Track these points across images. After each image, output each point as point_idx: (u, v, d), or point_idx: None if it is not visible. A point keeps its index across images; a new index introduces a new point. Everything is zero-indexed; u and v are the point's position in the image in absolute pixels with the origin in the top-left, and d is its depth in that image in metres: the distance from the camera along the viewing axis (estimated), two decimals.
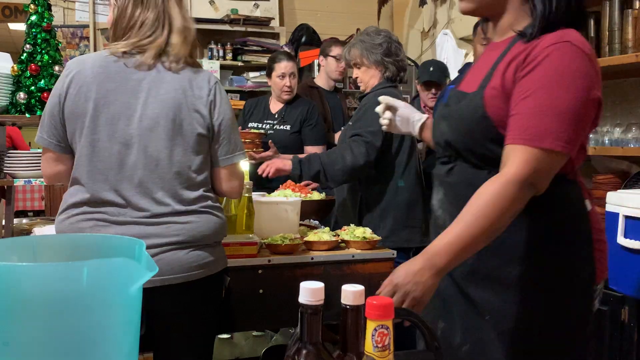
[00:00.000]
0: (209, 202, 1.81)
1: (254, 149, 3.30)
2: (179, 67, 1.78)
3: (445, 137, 1.55)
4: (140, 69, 1.74)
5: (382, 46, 2.86)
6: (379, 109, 1.98)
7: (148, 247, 1.65)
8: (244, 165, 2.36)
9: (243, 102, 4.24)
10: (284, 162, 2.93)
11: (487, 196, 1.33)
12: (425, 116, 1.94)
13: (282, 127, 3.68)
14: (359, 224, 2.71)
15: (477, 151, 1.47)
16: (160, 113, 1.72)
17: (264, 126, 3.71)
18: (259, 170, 2.98)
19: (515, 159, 1.34)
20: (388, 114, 1.96)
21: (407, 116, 1.95)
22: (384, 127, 2.00)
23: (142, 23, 1.76)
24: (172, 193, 1.73)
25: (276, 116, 3.73)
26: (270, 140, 3.47)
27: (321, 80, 4.24)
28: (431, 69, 3.84)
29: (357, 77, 2.97)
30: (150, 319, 1.75)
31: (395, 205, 2.84)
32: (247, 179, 2.44)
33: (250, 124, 3.73)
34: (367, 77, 2.92)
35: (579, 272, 1.47)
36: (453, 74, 4.80)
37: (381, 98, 1.99)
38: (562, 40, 1.36)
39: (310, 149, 3.60)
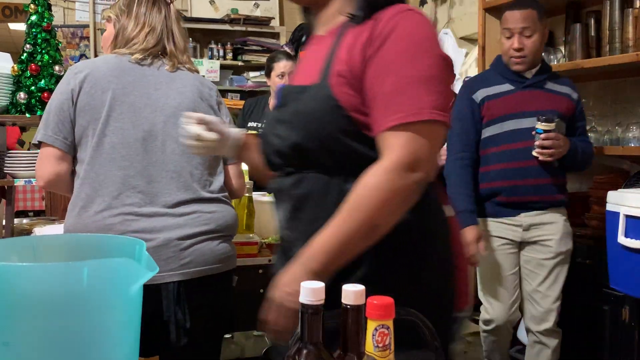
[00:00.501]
0: (227, 194, 1.88)
1: None
2: (187, 69, 1.88)
3: (291, 141, 1.29)
4: (152, 66, 1.81)
5: None
6: (188, 129, 1.50)
7: (182, 238, 1.70)
8: (243, 165, 2.37)
9: (243, 102, 4.23)
10: None
11: (363, 189, 1.17)
12: (242, 133, 1.58)
13: None
14: None
15: (334, 149, 1.25)
16: (181, 103, 1.79)
17: (263, 126, 3.71)
18: None
19: (391, 145, 1.17)
20: (198, 131, 1.50)
21: (220, 133, 1.52)
22: (192, 151, 1.56)
23: (147, 34, 1.82)
24: (198, 178, 1.78)
25: None
26: None
27: None
28: None
29: None
30: (190, 312, 1.72)
31: None
32: (246, 179, 2.45)
33: (249, 124, 3.72)
34: None
35: (441, 287, 1.30)
36: None
37: (190, 114, 1.54)
38: (405, 9, 1.24)
39: None
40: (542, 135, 2.62)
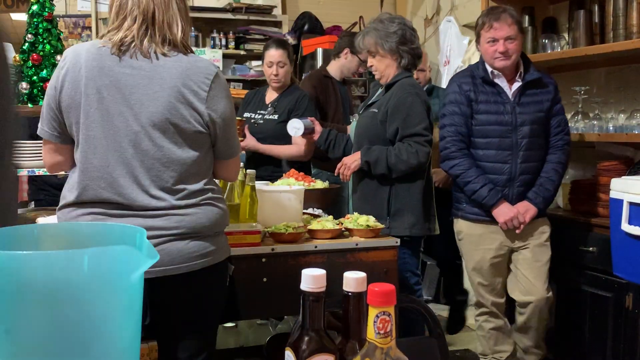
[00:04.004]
0: (210, 194, 1.81)
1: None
2: (174, 56, 1.75)
3: None
4: (132, 58, 1.72)
5: (397, 34, 2.82)
6: None
7: (148, 238, 1.67)
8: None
9: (246, 92, 4.22)
10: (353, 157, 2.86)
11: None
12: None
13: (271, 116, 3.63)
14: (388, 215, 2.77)
15: None
16: (155, 112, 1.71)
17: (256, 116, 3.68)
18: (336, 173, 2.95)
19: None
20: None
21: None
22: None
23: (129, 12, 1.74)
24: (169, 189, 1.73)
25: (269, 106, 3.69)
26: (246, 126, 3.42)
27: (333, 70, 4.16)
28: None
29: (371, 66, 2.93)
30: (153, 309, 1.76)
31: (421, 197, 2.85)
32: (242, 170, 2.45)
33: (245, 114, 3.71)
34: (383, 66, 2.88)
35: None
36: (456, 62, 4.76)
37: None
38: None
39: (296, 139, 3.50)
40: None
